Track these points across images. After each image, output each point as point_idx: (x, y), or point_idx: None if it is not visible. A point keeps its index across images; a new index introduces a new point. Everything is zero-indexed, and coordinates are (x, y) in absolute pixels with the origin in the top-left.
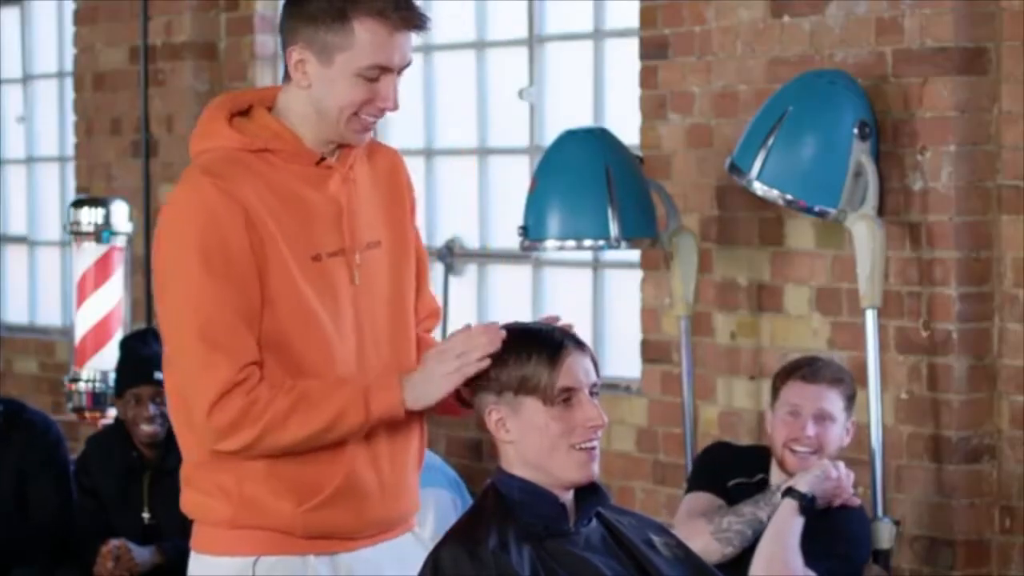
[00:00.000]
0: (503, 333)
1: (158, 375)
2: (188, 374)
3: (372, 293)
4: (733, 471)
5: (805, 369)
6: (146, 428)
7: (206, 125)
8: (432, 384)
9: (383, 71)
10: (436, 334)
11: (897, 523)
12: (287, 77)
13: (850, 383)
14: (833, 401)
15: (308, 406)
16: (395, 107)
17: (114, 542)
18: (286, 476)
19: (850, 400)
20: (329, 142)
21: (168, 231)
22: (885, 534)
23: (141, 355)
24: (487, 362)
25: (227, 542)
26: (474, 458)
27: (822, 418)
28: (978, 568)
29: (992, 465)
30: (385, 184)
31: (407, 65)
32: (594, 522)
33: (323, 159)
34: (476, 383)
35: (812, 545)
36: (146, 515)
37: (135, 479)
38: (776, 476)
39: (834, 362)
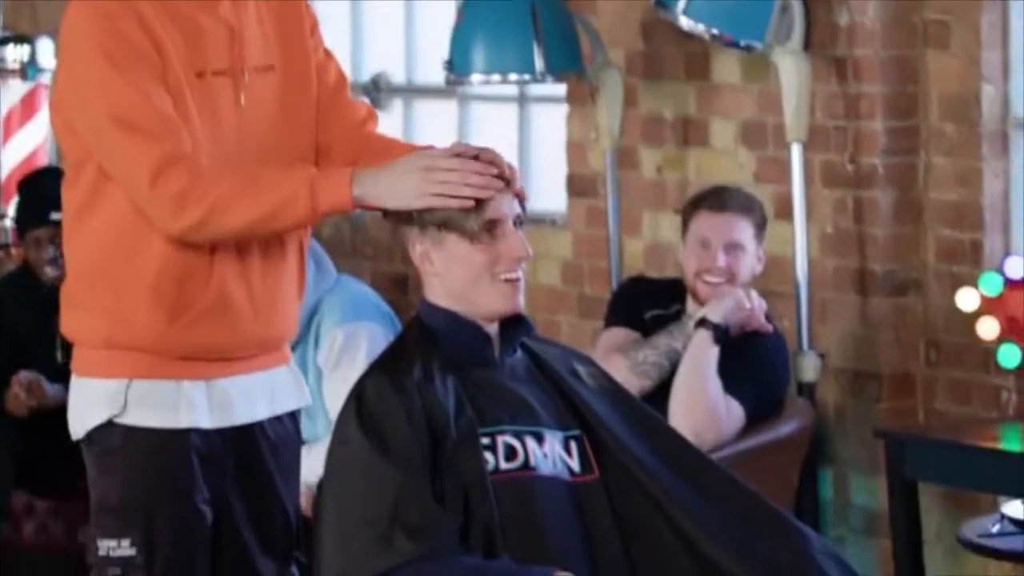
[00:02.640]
0: (499, 184)
1: (55, 216)
2: (116, 163)
3: (260, 118)
4: (649, 304)
5: (712, 199)
6: (48, 271)
7: None
8: (401, 190)
9: None
10: None
11: (822, 356)
12: None
13: (759, 211)
14: (743, 230)
15: (256, 189)
16: None
17: (25, 373)
18: (163, 293)
19: (760, 228)
20: None
21: (67, 41)
22: (810, 366)
23: (37, 196)
24: (469, 203)
25: (102, 364)
26: (399, 291)
27: (732, 247)
28: (903, 401)
29: (918, 299)
30: (278, 8)
31: None
32: (519, 353)
33: None
34: (399, 217)
35: (731, 371)
36: (59, 355)
37: (48, 319)
38: (692, 307)
39: (742, 190)
